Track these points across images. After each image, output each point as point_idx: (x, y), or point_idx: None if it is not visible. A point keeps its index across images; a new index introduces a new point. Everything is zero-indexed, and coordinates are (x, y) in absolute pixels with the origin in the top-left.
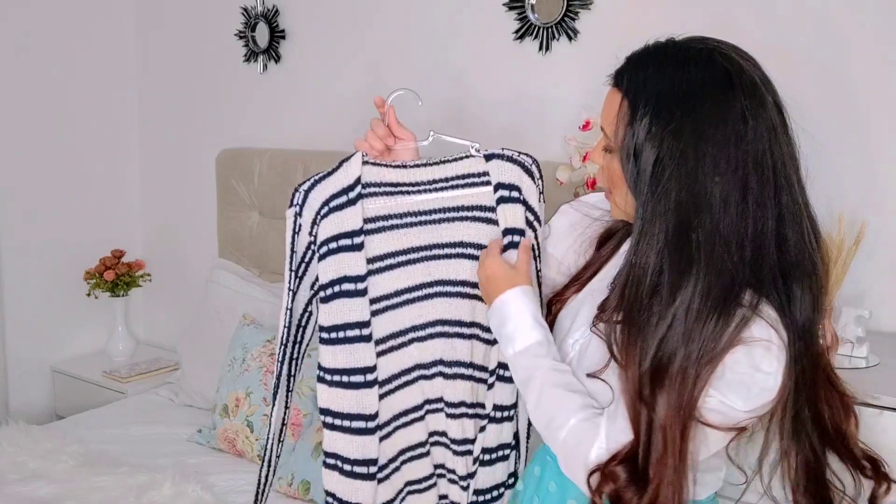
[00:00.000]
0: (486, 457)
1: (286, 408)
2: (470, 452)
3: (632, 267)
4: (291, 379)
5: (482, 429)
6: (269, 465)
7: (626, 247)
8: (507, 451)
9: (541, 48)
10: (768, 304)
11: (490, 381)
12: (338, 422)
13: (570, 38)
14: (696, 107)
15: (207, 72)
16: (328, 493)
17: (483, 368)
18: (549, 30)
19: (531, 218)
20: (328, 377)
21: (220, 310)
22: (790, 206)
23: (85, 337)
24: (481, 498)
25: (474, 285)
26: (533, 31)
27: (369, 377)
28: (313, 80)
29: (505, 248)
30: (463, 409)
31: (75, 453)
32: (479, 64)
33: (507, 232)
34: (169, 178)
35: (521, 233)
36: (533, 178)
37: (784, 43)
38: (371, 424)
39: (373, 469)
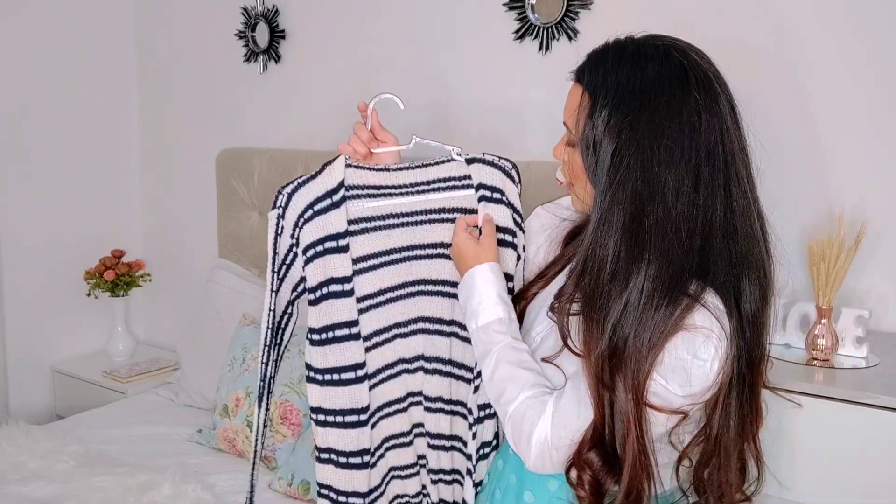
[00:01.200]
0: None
1: (267, 409)
2: (444, 448)
3: (589, 254)
4: (272, 381)
5: (473, 434)
6: (253, 467)
7: None
8: (486, 450)
9: (541, 48)
10: (714, 294)
11: (476, 382)
12: (331, 418)
13: (570, 38)
14: (652, 99)
15: (207, 72)
16: (323, 486)
17: (461, 365)
18: (549, 30)
19: (518, 219)
20: (319, 377)
21: (220, 310)
22: (740, 198)
23: (85, 337)
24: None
25: (454, 284)
26: (533, 31)
27: (360, 373)
28: (313, 80)
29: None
30: (440, 405)
31: (75, 453)
32: (479, 64)
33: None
34: (169, 178)
35: (507, 231)
36: (514, 182)
37: (785, 43)
38: (363, 417)
39: (367, 458)
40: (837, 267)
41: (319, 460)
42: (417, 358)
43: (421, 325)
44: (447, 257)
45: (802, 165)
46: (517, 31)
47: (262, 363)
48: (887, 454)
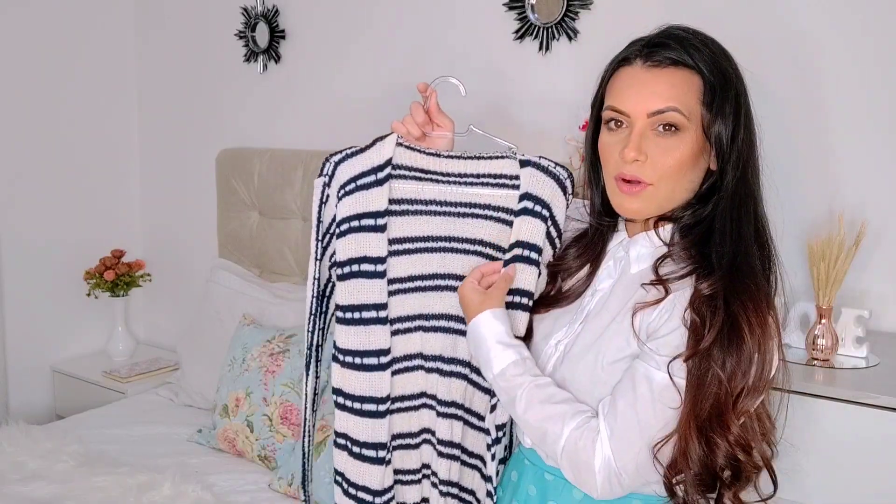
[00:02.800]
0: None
1: (317, 377)
2: (454, 458)
3: (738, 239)
4: (319, 349)
5: (492, 455)
6: (308, 436)
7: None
8: (500, 467)
9: (541, 48)
10: None
11: (494, 401)
12: (349, 403)
13: (570, 38)
14: (743, 90)
15: (207, 72)
16: (337, 472)
17: (480, 371)
18: (549, 30)
19: (554, 234)
20: (341, 357)
21: (220, 310)
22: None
23: (85, 337)
24: None
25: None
26: (533, 31)
27: (383, 360)
28: (313, 80)
29: (507, 262)
30: (453, 410)
31: (75, 453)
32: (479, 64)
33: (515, 245)
34: (169, 178)
35: (534, 248)
36: (565, 193)
37: (786, 43)
38: (382, 407)
39: (382, 453)
40: (837, 267)
41: (336, 445)
42: (435, 358)
43: (443, 323)
44: (483, 255)
45: (802, 165)
46: (517, 31)
47: (308, 332)
48: (887, 454)
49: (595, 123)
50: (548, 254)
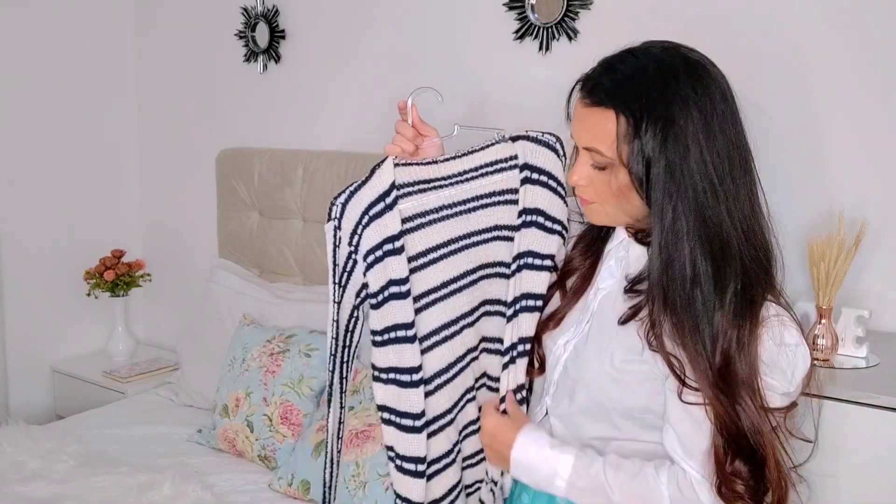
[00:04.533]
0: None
1: (342, 407)
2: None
3: (666, 267)
4: (345, 381)
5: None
6: (332, 464)
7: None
8: None
9: (541, 48)
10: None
11: (505, 359)
12: (394, 418)
13: (570, 38)
14: (689, 106)
15: (207, 72)
16: (398, 494)
17: (524, 340)
18: (549, 30)
19: (562, 193)
20: (384, 376)
21: (220, 310)
22: (757, 194)
23: (85, 337)
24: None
25: (507, 265)
26: (533, 31)
27: (415, 377)
28: (313, 80)
29: (518, 228)
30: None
31: (75, 453)
32: (479, 64)
33: (525, 212)
34: (169, 178)
35: (559, 222)
36: (559, 156)
37: (786, 43)
38: (418, 423)
39: (421, 467)
40: (837, 267)
41: (388, 458)
42: (482, 341)
43: (486, 308)
44: (502, 239)
45: (802, 165)
46: (517, 31)
47: (330, 371)
48: (888, 454)
49: None
50: (562, 215)
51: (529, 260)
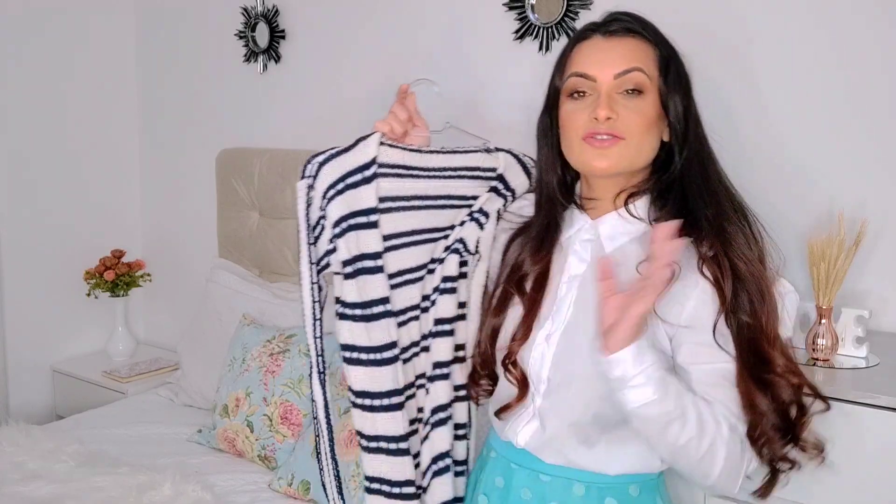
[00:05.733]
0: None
1: (323, 388)
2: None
3: (706, 193)
4: (321, 358)
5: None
6: (327, 442)
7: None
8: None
9: (541, 48)
10: None
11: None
12: (377, 402)
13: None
14: (682, 63)
15: (207, 72)
16: (359, 431)
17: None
18: (549, 30)
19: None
20: (364, 356)
21: (220, 310)
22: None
23: (85, 337)
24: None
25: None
26: (533, 31)
27: (395, 352)
28: (313, 80)
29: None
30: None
31: (75, 453)
32: (479, 64)
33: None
34: (169, 178)
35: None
36: (529, 179)
37: (786, 43)
38: (399, 400)
39: (403, 444)
40: (837, 267)
41: (363, 448)
42: (434, 323)
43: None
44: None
45: (802, 165)
46: (517, 31)
47: (316, 337)
48: (887, 454)
49: (550, 108)
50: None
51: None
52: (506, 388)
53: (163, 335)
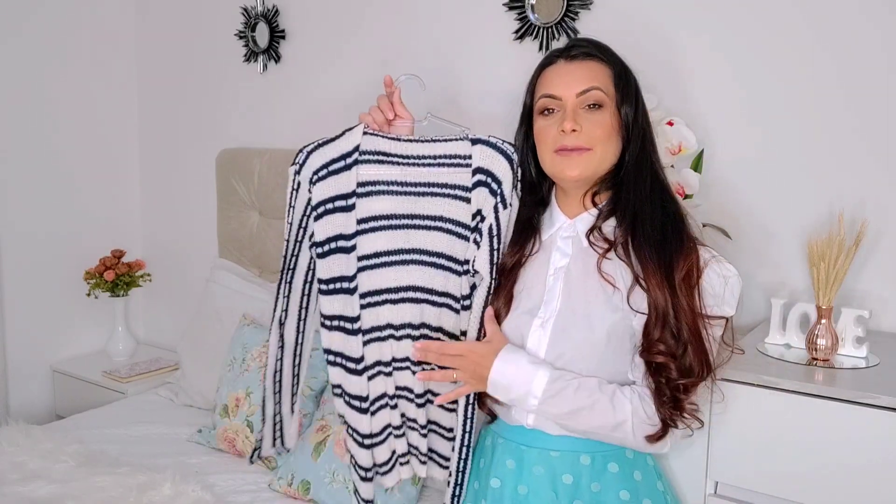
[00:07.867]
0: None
1: (280, 324)
2: (430, 403)
3: (638, 189)
4: (285, 313)
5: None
6: (281, 390)
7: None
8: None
9: (541, 48)
10: None
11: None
12: (339, 360)
13: (570, 38)
14: (633, 78)
15: (207, 72)
16: (349, 425)
17: (450, 335)
18: (549, 30)
19: (497, 202)
20: (328, 323)
21: (220, 310)
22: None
23: (85, 337)
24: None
25: (449, 258)
26: (533, 31)
27: (356, 325)
28: (313, 80)
29: (475, 228)
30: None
31: (75, 453)
32: (479, 64)
33: (476, 214)
34: (169, 178)
35: (484, 218)
36: (512, 165)
37: (786, 43)
38: (359, 367)
39: (364, 404)
40: (837, 267)
41: (334, 394)
42: (405, 326)
43: (411, 294)
44: (444, 231)
45: (802, 165)
46: (517, 31)
47: (282, 297)
48: (887, 454)
49: (526, 124)
50: (491, 222)
51: (457, 267)
52: None
53: (163, 335)
